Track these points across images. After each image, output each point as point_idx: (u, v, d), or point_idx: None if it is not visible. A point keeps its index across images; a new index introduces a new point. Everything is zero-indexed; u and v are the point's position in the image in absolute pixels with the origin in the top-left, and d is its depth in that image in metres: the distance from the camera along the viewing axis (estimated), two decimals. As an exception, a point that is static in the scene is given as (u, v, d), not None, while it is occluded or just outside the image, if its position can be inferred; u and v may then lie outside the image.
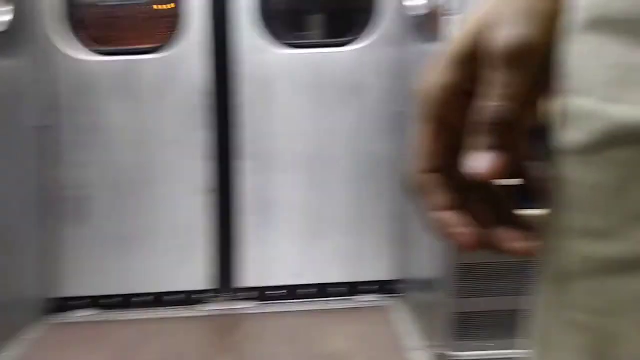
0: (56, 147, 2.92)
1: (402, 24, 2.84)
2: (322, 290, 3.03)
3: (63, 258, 2.94)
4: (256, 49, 2.93)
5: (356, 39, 2.96)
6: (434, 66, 0.39)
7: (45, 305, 2.91)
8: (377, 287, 3.03)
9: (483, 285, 2.22)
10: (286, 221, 3.03)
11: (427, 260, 2.43)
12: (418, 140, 0.40)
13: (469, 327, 2.23)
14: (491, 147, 0.35)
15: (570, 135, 0.33)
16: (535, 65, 0.35)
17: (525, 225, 0.39)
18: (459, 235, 0.38)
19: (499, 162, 0.35)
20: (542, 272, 0.37)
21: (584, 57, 0.32)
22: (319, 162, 3.00)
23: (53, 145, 2.92)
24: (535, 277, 0.38)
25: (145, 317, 2.90)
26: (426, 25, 2.42)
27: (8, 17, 2.53)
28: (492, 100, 0.35)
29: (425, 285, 2.54)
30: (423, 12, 2.54)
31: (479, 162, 0.36)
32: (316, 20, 3.14)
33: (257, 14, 2.91)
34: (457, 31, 0.39)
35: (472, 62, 0.37)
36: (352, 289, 3.03)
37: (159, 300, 2.99)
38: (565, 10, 0.35)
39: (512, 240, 0.38)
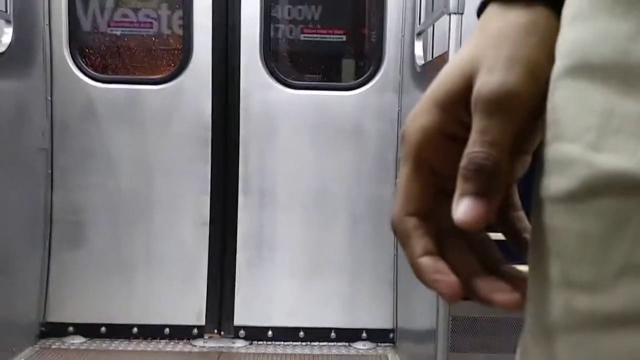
0: (57, 171, 2.93)
1: (404, 71, 2.87)
2: (314, 334, 2.98)
3: (59, 283, 2.93)
4: (260, 86, 2.95)
5: (360, 83, 2.99)
6: (416, 107, 0.38)
7: (39, 329, 2.89)
8: (372, 334, 2.97)
9: (481, 340, 2.18)
10: (282, 260, 3.00)
11: (424, 309, 2.39)
12: (399, 182, 0.39)
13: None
14: (472, 195, 0.34)
15: (555, 183, 0.32)
16: (519, 113, 0.34)
17: (512, 277, 0.38)
18: (440, 283, 0.36)
19: (480, 210, 0.34)
20: (526, 324, 0.35)
21: (567, 103, 0.32)
22: (318, 202, 2.99)
23: (53, 168, 2.92)
24: (520, 330, 0.36)
25: (134, 348, 2.86)
26: (427, 73, 2.44)
27: (8, 39, 2.55)
28: (473, 146, 0.34)
29: (421, 335, 2.49)
30: (425, 60, 2.57)
31: (459, 209, 0.34)
32: (321, 63, 3.18)
33: (263, 52, 2.95)
34: (441, 73, 0.38)
35: (456, 105, 0.36)
36: (346, 334, 2.98)
37: (149, 331, 2.94)
38: (552, 58, 0.34)
39: (497, 292, 0.36)
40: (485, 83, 0.34)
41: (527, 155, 0.39)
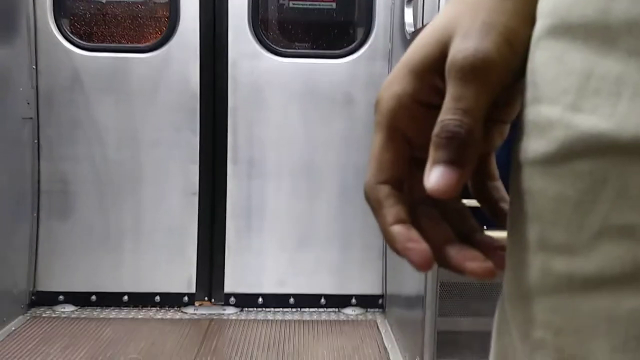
0: (43, 140, 2.91)
1: (394, 39, 2.85)
2: (304, 301, 3.01)
3: (48, 252, 2.94)
4: (249, 54, 2.92)
5: (349, 51, 2.97)
6: (391, 74, 0.37)
7: (29, 298, 2.91)
8: (361, 300, 3.01)
9: (467, 305, 2.21)
10: (272, 228, 3.02)
11: (412, 276, 2.42)
12: (372, 150, 0.38)
13: (451, 346, 2.22)
14: (444, 163, 0.33)
15: (533, 146, 0.31)
16: (494, 80, 0.33)
17: (489, 245, 0.37)
18: (411, 251, 0.35)
19: (452, 179, 0.33)
20: (503, 289, 0.35)
21: (547, 64, 0.31)
22: (308, 171, 2.99)
23: (40, 138, 2.90)
24: (499, 294, 0.36)
25: (125, 316, 2.89)
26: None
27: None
28: (446, 114, 0.33)
29: (409, 301, 2.52)
30: (415, 28, 2.55)
31: (431, 177, 0.34)
32: (310, 31, 3.15)
33: (251, 19, 2.91)
34: (416, 40, 0.37)
35: (431, 72, 0.35)
36: (336, 300, 3.01)
37: (139, 299, 2.97)
38: (530, 24, 0.33)
39: (469, 260, 0.35)
40: (460, 49, 0.33)
41: (505, 125, 0.39)
